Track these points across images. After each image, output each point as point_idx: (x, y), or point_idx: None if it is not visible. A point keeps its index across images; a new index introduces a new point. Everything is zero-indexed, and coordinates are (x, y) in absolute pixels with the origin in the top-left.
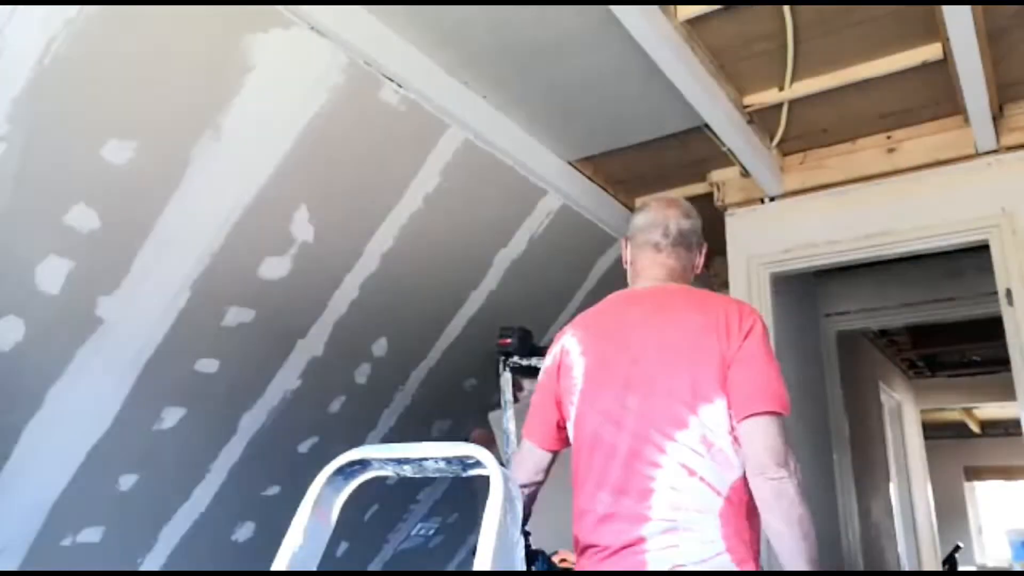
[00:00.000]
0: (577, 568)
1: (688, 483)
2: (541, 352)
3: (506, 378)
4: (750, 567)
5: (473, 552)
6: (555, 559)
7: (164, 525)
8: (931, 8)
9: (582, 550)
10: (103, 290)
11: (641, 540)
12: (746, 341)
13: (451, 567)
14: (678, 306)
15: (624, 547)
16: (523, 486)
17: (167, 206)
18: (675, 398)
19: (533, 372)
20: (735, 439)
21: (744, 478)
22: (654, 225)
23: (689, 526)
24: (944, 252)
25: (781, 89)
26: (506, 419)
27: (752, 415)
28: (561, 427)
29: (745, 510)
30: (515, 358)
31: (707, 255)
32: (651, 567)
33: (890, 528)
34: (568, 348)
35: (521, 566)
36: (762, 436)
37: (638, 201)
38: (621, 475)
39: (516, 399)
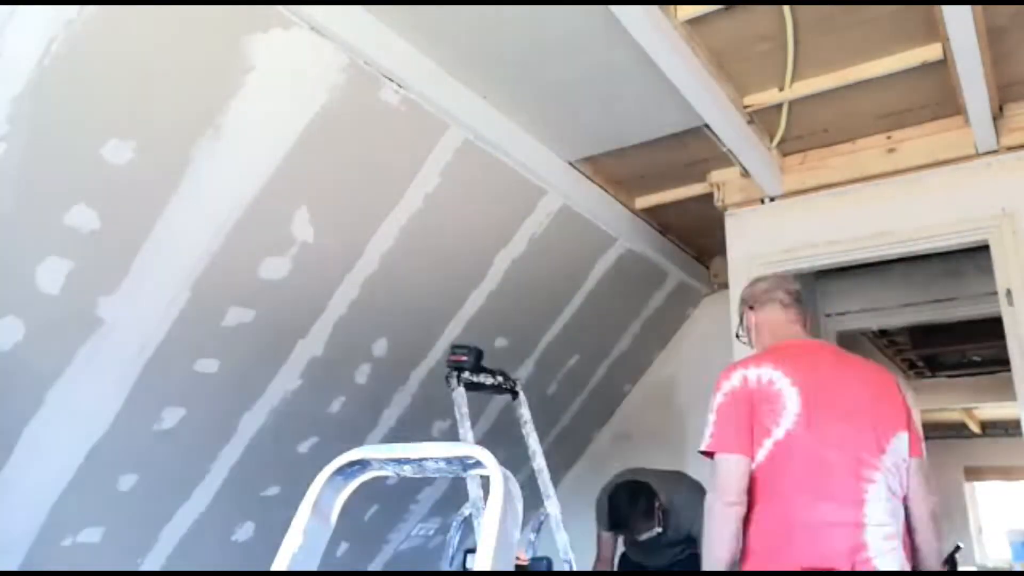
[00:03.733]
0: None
1: (888, 495)
2: (489, 371)
3: (460, 392)
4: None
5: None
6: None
7: (164, 525)
8: (931, 8)
9: (795, 555)
10: (103, 290)
11: (863, 546)
12: (906, 394)
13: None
14: (852, 360)
15: (849, 552)
16: (734, 504)
17: (167, 206)
18: (878, 428)
19: (481, 387)
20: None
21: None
22: (773, 289)
23: (897, 532)
24: (944, 252)
25: (781, 89)
26: (463, 433)
27: (918, 455)
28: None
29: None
30: (467, 374)
31: (710, 256)
32: (881, 566)
33: None
34: (770, 378)
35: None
36: (922, 469)
37: (638, 201)
38: (838, 488)
39: None
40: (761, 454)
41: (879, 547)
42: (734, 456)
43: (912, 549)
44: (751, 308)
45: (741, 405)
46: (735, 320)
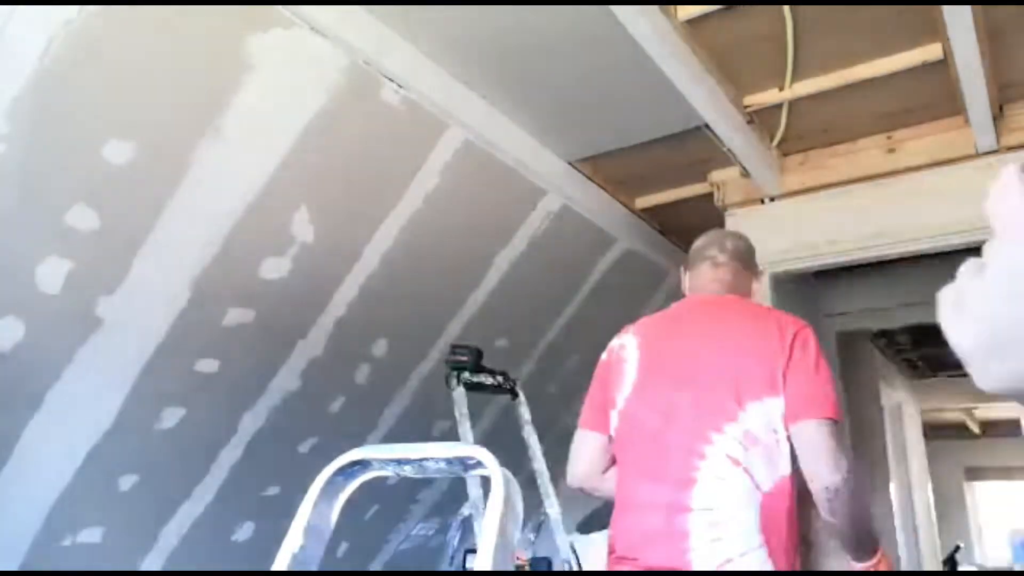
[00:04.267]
0: (616, 561)
1: (732, 473)
2: (489, 371)
3: (460, 392)
4: (782, 561)
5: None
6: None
7: (164, 525)
8: (931, 8)
9: (622, 541)
10: (103, 290)
11: (686, 535)
12: (797, 349)
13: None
14: (731, 313)
15: (667, 538)
16: (581, 488)
17: (167, 206)
18: (725, 394)
19: (480, 387)
20: (782, 440)
21: (791, 477)
22: (711, 244)
23: (732, 516)
24: (944, 252)
25: (781, 89)
26: (463, 433)
27: (802, 420)
28: (611, 416)
29: (787, 508)
30: (467, 374)
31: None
32: (696, 563)
33: (890, 528)
34: (625, 344)
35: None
36: (810, 441)
37: (638, 201)
38: (666, 465)
39: None
40: (612, 429)
41: (702, 537)
42: (581, 432)
43: (806, 545)
44: (686, 269)
45: (598, 378)
46: None
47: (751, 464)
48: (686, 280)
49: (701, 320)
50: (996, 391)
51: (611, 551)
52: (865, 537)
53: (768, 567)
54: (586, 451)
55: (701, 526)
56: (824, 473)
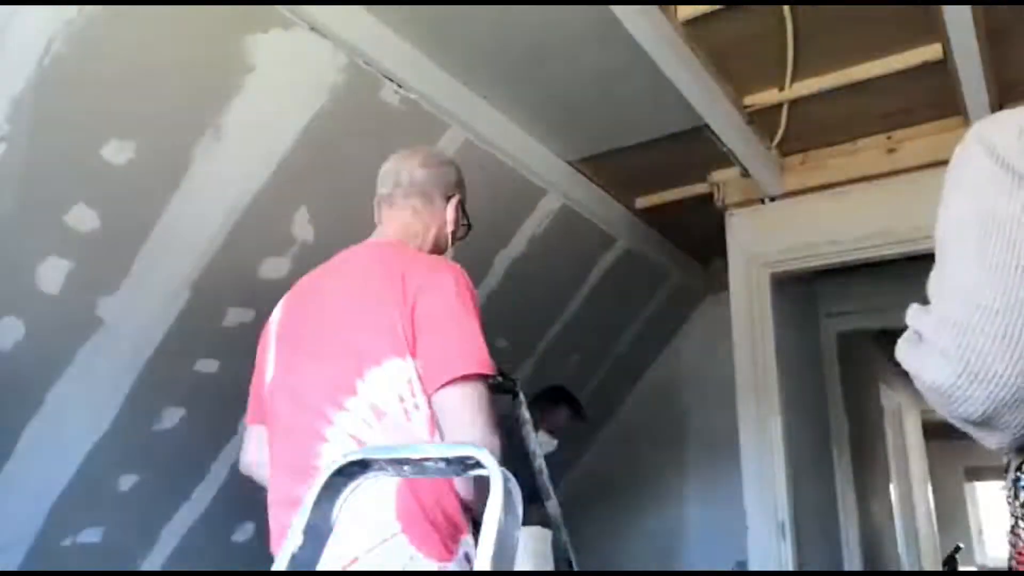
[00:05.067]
0: None
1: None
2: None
3: None
4: (435, 549)
5: None
6: None
7: (164, 525)
8: (931, 8)
9: (272, 541)
10: (103, 290)
11: None
12: (428, 296)
13: None
14: (363, 263)
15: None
16: (250, 478)
17: (167, 206)
18: (344, 364)
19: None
20: (417, 407)
21: None
22: (387, 175)
23: (359, 508)
24: None
25: (781, 89)
26: None
27: (442, 386)
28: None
29: (429, 486)
30: None
31: (710, 256)
32: (321, 563)
33: (890, 528)
34: (272, 320)
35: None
36: (452, 409)
37: (638, 201)
38: (293, 454)
39: None
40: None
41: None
42: (246, 427)
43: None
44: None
45: (256, 361)
46: (735, 320)
47: (378, 443)
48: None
49: (342, 275)
50: (970, 417)
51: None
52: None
53: (413, 558)
54: (250, 445)
55: None
56: (472, 433)
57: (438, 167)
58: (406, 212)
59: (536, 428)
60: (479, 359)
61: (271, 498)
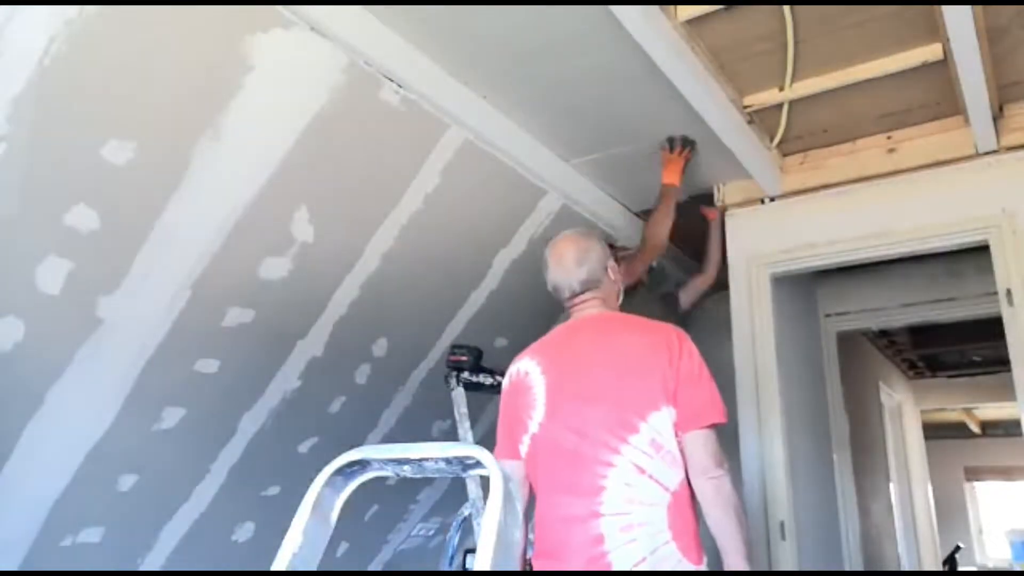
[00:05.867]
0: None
1: (639, 480)
2: (488, 371)
3: (459, 392)
4: (693, 555)
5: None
6: None
7: (164, 525)
8: (931, 8)
9: (545, 552)
10: (103, 290)
11: (600, 539)
12: (685, 360)
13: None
14: (619, 329)
15: (586, 545)
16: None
17: (167, 206)
18: (627, 407)
19: (480, 387)
20: (676, 443)
21: (688, 478)
22: (560, 288)
23: (642, 520)
24: (944, 252)
25: (781, 89)
26: (462, 433)
27: (695, 428)
28: (522, 440)
29: (689, 505)
30: (466, 374)
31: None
32: (615, 564)
33: (890, 528)
34: (527, 370)
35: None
36: (702, 445)
37: (638, 201)
38: (580, 478)
39: None
40: (523, 451)
41: (616, 539)
42: (504, 463)
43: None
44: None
45: (507, 406)
46: (735, 320)
47: (656, 470)
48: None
49: (594, 340)
50: None
51: (542, 554)
52: (743, 533)
53: (680, 561)
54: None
55: (614, 529)
56: (716, 470)
57: (590, 258)
58: (597, 301)
59: (633, 278)
60: (720, 411)
61: (544, 514)
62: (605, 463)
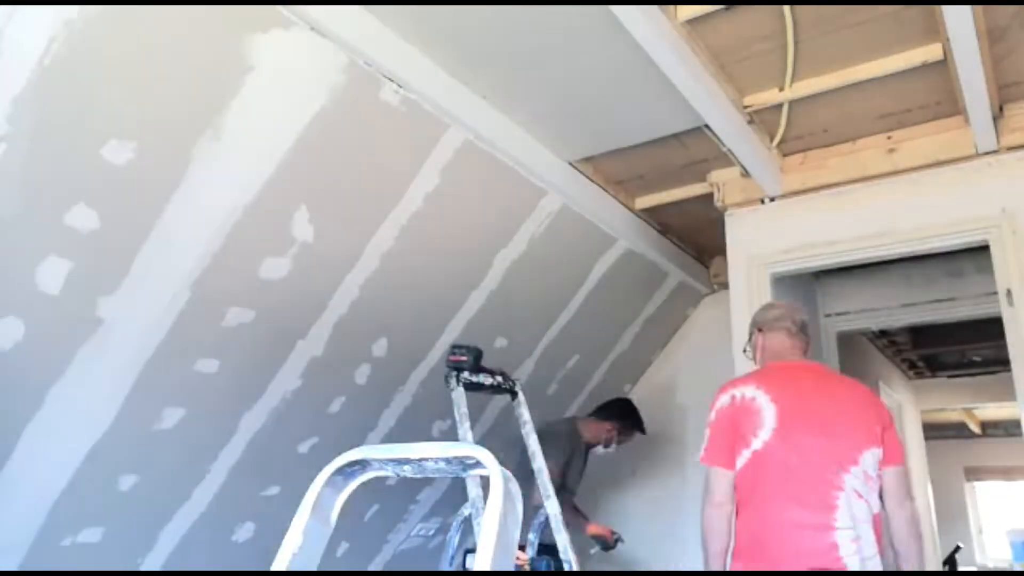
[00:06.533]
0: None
1: (858, 503)
2: (488, 371)
3: (459, 392)
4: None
5: None
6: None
7: (164, 525)
8: (931, 8)
9: (759, 544)
10: (103, 290)
11: (835, 546)
12: (884, 411)
13: None
14: (835, 380)
15: (821, 551)
16: (721, 504)
17: (167, 206)
18: (850, 444)
19: (480, 387)
20: (879, 477)
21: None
22: (785, 316)
23: (861, 534)
24: (944, 252)
25: (781, 89)
26: (462, 433)
27: (895, 465)
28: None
29: (880, 524)
30: (466, 374)
31: (710, 256)
32: (849, 566)
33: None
34: (754, 396)
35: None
36: (901, 478)
37: (638, 201)
38: (809, 494)
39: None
40: (740, 463)
41: (848, 548)
42: (719, 469)
43: (894, 553)
44: (760, 331)
45: (726, 424)
46: (735, 320)
47: (868, 495)
48: (760, 339)
49: (816, 384)
50: None
51: (737, 556)
52: (923, 554)
53: (881, 567)
54: (725, 485)
55: (846, 539)
56: (908, 502)
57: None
58: (800, 342)
59: (602, 441)
60: (905, 452)
61: (766, 516)
62: (836, 486)
